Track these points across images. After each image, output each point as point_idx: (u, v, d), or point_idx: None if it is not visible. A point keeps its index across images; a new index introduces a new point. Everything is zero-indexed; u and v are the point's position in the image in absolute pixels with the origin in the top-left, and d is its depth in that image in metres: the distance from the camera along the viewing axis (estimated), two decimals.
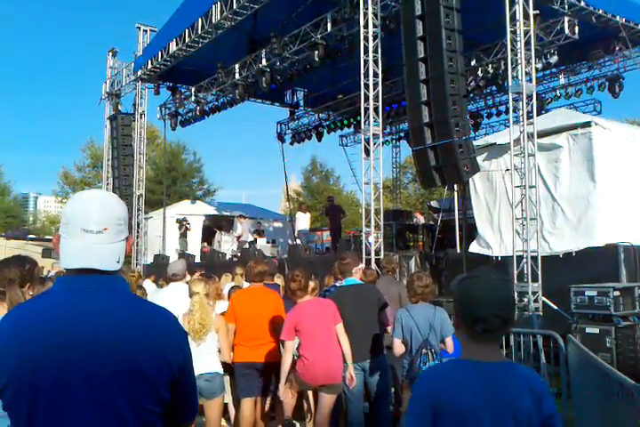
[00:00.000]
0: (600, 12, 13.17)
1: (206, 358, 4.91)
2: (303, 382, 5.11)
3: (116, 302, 1.69)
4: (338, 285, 6.30)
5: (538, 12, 11.06)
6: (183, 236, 20.16)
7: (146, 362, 1.62)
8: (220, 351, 5.28)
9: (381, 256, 11.45)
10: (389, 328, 5.67)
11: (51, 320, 1.63)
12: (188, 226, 20.24)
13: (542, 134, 10.66)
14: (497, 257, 11.34)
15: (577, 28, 12.74)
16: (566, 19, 12.64)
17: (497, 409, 1.86)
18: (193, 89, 19.59)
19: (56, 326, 1.61)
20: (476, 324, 1.93)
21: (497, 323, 1.93)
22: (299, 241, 18.50)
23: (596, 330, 7.28)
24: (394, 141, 24.63)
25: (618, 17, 13.60)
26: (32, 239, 33.92)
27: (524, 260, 9.87)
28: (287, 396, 5.13)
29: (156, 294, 6.45)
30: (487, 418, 1.85)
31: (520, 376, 1.95)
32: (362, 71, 12.10)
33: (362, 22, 12.17)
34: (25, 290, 2.88)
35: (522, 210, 10.13)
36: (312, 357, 5.01)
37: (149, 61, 19.32)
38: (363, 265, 6.13)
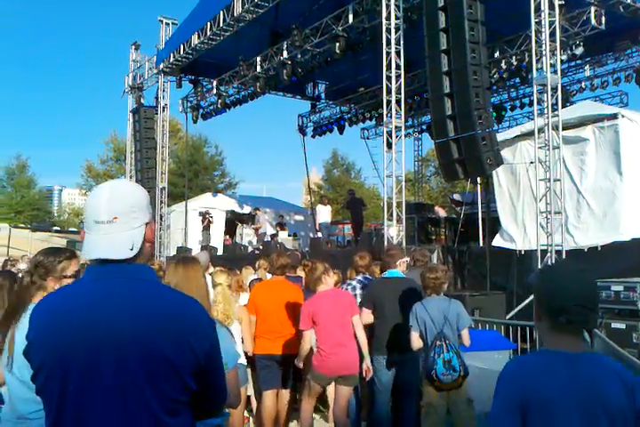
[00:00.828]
0: (628, 1, 12.87)
1: None
2: (321, 376, 5.08)
3: (141, 291, 1.70)
4: (361, 278, 6.28)
5: (563, 2, 10.87)
6: (206, 229, 20.29)
7: (171, 350, 1.63)
8: (242, 342, 5.30)
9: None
10: None
11: (78, 309, 1.66)
12: (210, 219, 20.35)
13: (567, 127, 10.50)
14: (520, 251, 11.22)
15: (604, 19, 12.49)
16: (593, 9, 12.39)
17: (585, 401, 1.81)
18: (214, 82, 19.65)
19: (83, 314, 1.65)
20: (561, 315, 1.90)
21: (582, 313, 1.90)
22: (319, 234, 18.50)
23: (622, 325, 7.16)
24: (416, 134, 24.48)
25: None
26: (57, 231, 34.39)
27: (549, 254, 9.76)
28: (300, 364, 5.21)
29: None
30: (575, 410, 1.81)
31: (609, 368, 1.91)
32: (384, 63, 12.02)
33: (384, 14, 12.08)
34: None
35: (546, 203, 10.01)
36: (328, 348, 5.00)
37: (171, 54, 19.40)
38: (407, 258, 6.10)
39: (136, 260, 1.74)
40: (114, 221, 1.71)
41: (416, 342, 4.94)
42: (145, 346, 1.62)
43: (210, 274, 5.64)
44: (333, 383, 5.25)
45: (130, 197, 1.76)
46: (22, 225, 38.75)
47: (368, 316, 5.52)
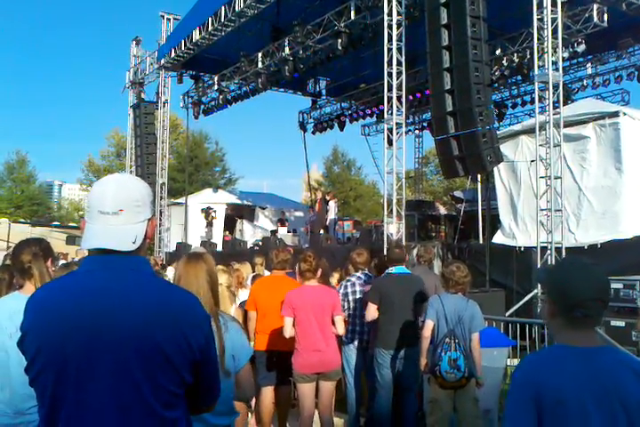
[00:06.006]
0: None
1: None
2: (302, 375, 5.02)
3: (139, 283, 1.71)
4: (360, 274, 6.26)
5: None
6: (210, 225, 20.32)
7: (167, 342, 1.64)
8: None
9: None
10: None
11: (76, 298, 1.66)
12: (214, 215, 20.38)
13: (568, 124, 10.49)
14: (520, 248, 11.22)
15: (606, 16, 12.45)
16: (595, 6, 12.35)
17: (602, 396, 1.81)
18: (216, 78, 19.61)
19: (80, 303, 1.64)
20: (576, 309, 1.90)
21: (596, 307, 1.92)
22: (322, 231, 18.35)
23: (621, 323, 7.17)
24: (417, 131, 24.44)
25: None
26: (57, 226, 34.39)
27: (548, 251, 9.76)
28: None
29: None
30: (592, 405, 1.80)
31: (622, 360, 1.91)
32: (385, 60, 11.99)
33: (385, 10, 12.05)
34: (48, 264, 3.04)
35: (547, 201, 10.00)
36: (305, 344, 4.96)
37: (172, 50, 19.38)
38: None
39: (136, 254, 1.75)
40: (119, 213, 1.71)
41: (428, 330, 4.89)
42: (141, 337, 1.62)
43: None
44: None
45: (136, 192, 1.78)
46: (22, 220, 38.74)
47: (373, 311, 5.50)
